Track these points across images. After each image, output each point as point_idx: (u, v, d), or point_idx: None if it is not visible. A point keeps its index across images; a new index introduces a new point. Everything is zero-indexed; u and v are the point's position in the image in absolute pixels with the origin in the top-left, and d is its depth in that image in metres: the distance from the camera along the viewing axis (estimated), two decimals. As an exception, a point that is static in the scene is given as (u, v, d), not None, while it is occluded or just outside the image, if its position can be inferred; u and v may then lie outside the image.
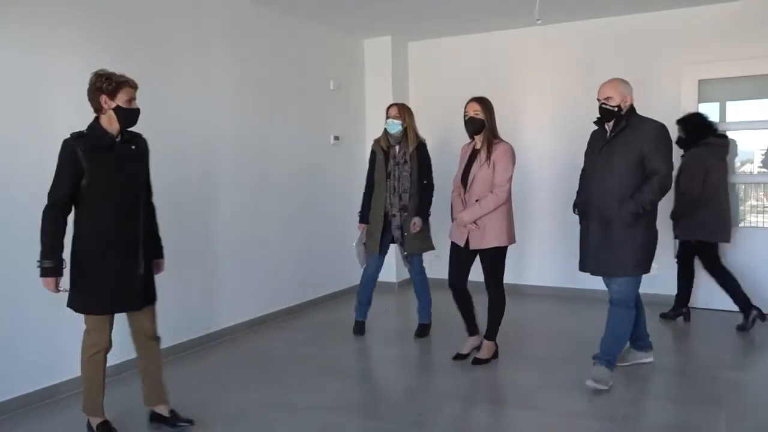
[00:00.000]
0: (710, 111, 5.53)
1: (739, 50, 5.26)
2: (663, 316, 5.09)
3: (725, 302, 4.94)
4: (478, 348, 4.17)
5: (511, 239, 4.01)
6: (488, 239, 3.91)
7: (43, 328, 3.53)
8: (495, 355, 4.13)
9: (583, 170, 3.89)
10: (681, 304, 5.07)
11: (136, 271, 2.95)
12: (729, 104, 5.53)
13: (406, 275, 6.75)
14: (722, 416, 3.21)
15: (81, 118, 2.93)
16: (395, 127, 4.50)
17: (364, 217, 4.73)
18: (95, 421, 3.02)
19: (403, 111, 4.53)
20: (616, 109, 3.54)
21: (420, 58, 6.77)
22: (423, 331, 4.76)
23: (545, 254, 6.13)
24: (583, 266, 3.77)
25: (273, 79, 5.32)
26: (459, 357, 4.16)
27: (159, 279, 3.19)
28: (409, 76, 6.81)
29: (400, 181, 4.51)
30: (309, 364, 4.17)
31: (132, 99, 2.89)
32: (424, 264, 4.75)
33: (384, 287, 5.93)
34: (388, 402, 3.61)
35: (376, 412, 3.43)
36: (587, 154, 3.83)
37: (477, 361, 4.06)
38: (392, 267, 6.39)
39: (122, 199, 2.91)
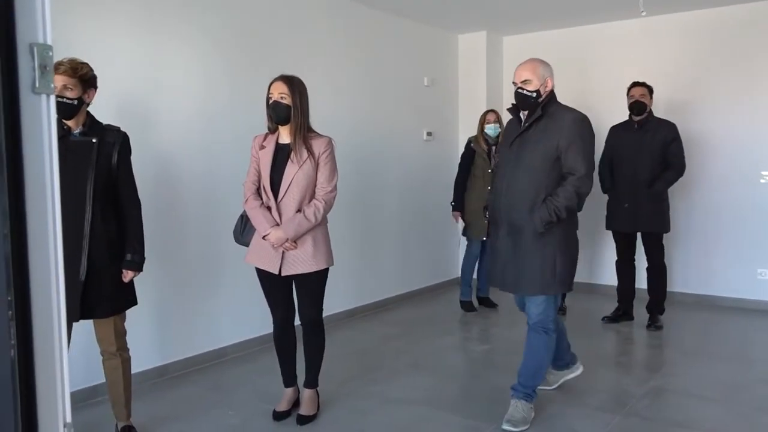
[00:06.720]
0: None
1: None
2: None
3: None
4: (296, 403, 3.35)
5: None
6: (318, 260, 3.06)
7: (157, 312, 3.83)
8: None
9: (496, 166, 3.39)
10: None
11: (74, 277, 2.61)
12: None
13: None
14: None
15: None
16: (496, 130, 5.18)
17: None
18: None
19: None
20: (534, 95, 3.03)
21: (515, 52, 6.65)
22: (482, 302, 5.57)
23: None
24: (493, 280, 3.24)
25: (370, 76, 5.43)
26: (280, 416, 3.25)
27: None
28: (503, 72, 6.73)
29: None
30: (401, 357, 4.26)
31: (61, 87, 2.56)
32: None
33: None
34: (480, 398, 3.61)
35: (466, 408, 3.46)
36: (501, 146, 3.36)
37: (304, 420, 3.22)
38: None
39: (66, 196, 2.64)
